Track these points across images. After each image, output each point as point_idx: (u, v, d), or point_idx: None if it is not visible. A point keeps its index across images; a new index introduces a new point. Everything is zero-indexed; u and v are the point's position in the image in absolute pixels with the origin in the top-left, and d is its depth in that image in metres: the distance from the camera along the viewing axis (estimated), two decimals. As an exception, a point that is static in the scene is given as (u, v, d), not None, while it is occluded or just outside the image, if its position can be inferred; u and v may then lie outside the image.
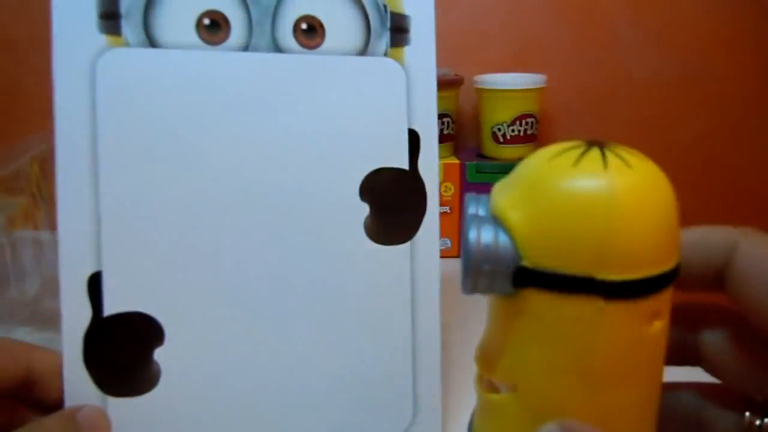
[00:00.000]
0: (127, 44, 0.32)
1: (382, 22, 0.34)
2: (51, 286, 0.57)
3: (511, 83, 0.74)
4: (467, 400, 0.27)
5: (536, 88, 0.75)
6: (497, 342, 0.22)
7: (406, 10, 0.35)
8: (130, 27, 0.32)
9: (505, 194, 0.21)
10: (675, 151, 0.87)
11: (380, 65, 0.34)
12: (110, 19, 0.31)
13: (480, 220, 0.20)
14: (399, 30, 0.34)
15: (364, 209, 0.35)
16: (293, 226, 0.34)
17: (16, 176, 0.65)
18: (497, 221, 0.20)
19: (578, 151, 0.20)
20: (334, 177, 0.34)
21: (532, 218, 0.20)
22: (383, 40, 0.34)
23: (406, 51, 0.35)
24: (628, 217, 0.19)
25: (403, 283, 0.36)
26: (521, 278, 0.20)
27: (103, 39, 0.31)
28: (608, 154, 0.20)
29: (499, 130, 0.76)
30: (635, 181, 0.19)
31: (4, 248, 0.56)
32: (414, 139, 0.35)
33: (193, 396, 0.33)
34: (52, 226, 0.72)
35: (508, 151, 0.76)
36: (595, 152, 0.20)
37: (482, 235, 0.20)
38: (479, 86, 0.77)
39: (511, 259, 0.20)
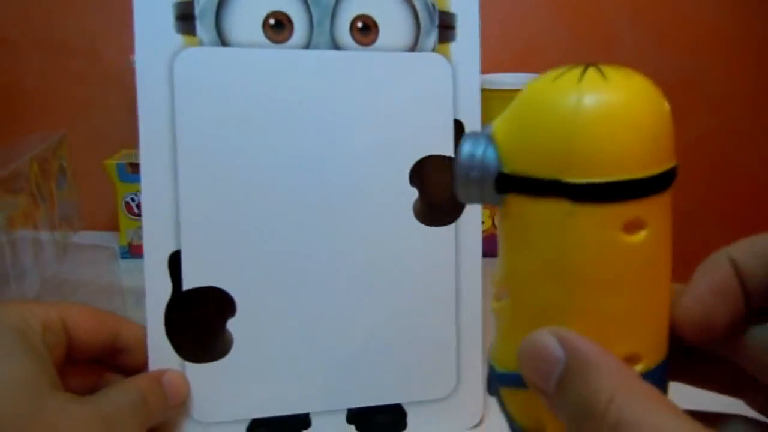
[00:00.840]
0: (201, 43, 0.35)
1: (431, 20, 0.37)
2: (51, 286, 0.57)
3: (511, 83, 0.73)
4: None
5: (537, 88, 0.76)
6: (499, 252, 0.24)
7: (453, 8, 0.38)
8: (204, 27, 0.35)
9: (503, 113, 0.22)
10: (674, 152, 0.88)
11: (429, 60, 0.38)
12: (186, 21, 0.35)
13: (476, 136, 0.22)
14: (446, 27, 0.38)
15: (414, 193, 0.38)
16: (350, 208, 0.37)
17: (16, 176, 0.64)
18: (491, 137, 0.22)
19: (564, 69, 0.21)
20: (386, 164, 0.37)
21: (512, 128, 0.21)
22: (431, 37, 0.38)
23: (452, 47, 0.38)
24: (590, 122, 0.20)
25: (449, 262, 0.39)
26: (503, 184, 0.21)
27: (180, 38, 0.35)
28: (591, 70, 0.21)
29: (501, 128, 0.78)
30: (605, 90, 0.20)
31: (4, 248, 0.55)
32: (459, 129, 0.38)
33: (261, 361, 0.37)
34: (52, 226, 0.73)
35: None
36: (578, 69, 0.21)
37: (473, 147, 0.22)
38: (480, 86, 0.79)
39: (495, 167, 0.22)
